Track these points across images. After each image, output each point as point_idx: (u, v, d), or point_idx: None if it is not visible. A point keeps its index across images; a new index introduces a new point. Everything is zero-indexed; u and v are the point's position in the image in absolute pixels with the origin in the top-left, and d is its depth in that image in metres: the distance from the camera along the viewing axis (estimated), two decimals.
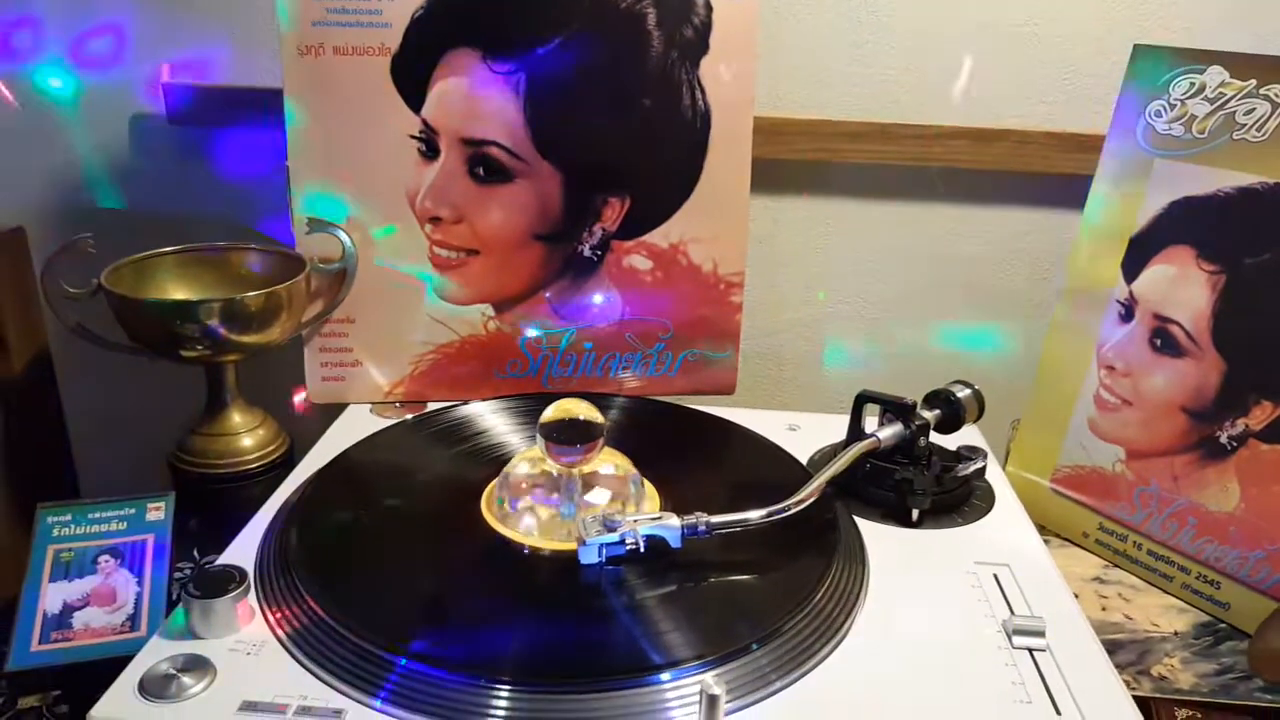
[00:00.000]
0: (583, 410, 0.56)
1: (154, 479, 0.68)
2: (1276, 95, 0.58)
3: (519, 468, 0.57)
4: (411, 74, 0.67)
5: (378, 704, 0.43)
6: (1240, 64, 0.60)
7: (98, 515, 0.55)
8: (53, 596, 0.52)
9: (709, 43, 0.70)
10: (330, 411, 0.72)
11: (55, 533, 0.54)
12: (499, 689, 0.42)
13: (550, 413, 0.56)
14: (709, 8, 0.69)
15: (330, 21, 0.66)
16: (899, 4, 0.80)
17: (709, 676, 0.41)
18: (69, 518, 0.55)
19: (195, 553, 0.62)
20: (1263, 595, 0.59)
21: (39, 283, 0.63)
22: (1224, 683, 0.55)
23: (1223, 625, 0.61)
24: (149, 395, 0.81)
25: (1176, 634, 0.59)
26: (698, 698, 0.41)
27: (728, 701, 0.42)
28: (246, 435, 0.68)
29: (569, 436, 0.55)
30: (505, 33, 0.68)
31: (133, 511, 0.56)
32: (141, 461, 0.72)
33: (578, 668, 0.44)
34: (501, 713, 0.42)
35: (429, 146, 0.69)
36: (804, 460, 0.66)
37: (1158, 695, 0.54)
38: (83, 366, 0.87)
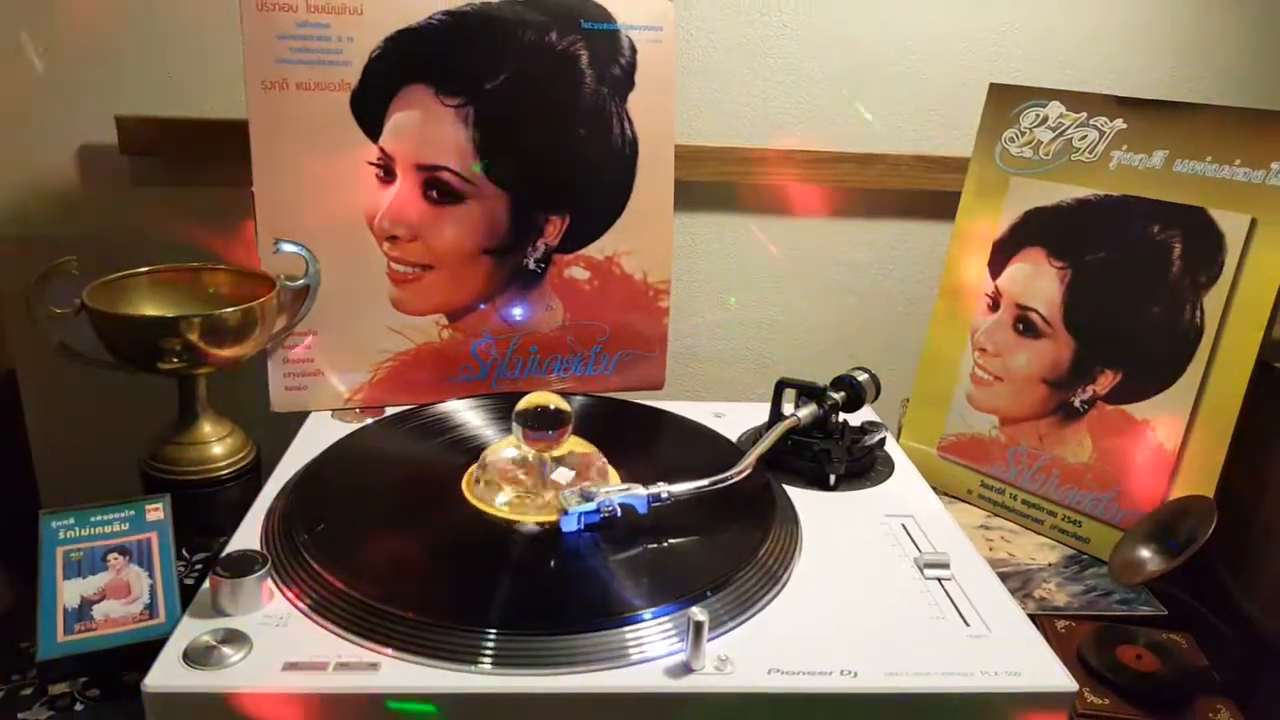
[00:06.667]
0: (553, 400, 0.63)
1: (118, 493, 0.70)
2: (1102, 125, 0.72)
3: (497, 453, 0.63)
4: (370, 107, 0.73)
5: (411, 657, 0.48)
6: (1074, 100, 0.74)
7: (99, 518, 0.58)
8: (70, 592, 0.54)
9: (635, 80, 0.79)
10: (285, 420, 0.76)
11: (61, 535, 0.56)
12: (534, 634, 0.50)
13: (524, 403, 0.62)
14: (634, 50, 0.78)
15: (293, 60, 0.71)
16: (794, 48, 0.92)
17: (695, 608, 0.49)
18: (71, 521, 0.57)
19: (185, 551, 0.65)
20: (1114, 528, 0.71)
21: (26, 304, 0.65)
22: (1089, 599, 0.67)
23: (1085, 556, 0.73)
24: (116, 414, 0.83)
25: (1050, 565, 0.72)
26: (685, 626, 0.49)
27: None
28: (217, 444, 0.72)
29: (542, 423, 0.62)
30: (455, 71, 0.75)
31: (132, 513, 0.58)
32: (101, 478, 0.74)
33: (573, 614, 0.51)
34: (518, 654, 0.49)
35: (386, 172, 0.75)
36: (733, 440, 0.75)
37: (1040, 613, 0.65)
38: (47, 388, 0.88)
